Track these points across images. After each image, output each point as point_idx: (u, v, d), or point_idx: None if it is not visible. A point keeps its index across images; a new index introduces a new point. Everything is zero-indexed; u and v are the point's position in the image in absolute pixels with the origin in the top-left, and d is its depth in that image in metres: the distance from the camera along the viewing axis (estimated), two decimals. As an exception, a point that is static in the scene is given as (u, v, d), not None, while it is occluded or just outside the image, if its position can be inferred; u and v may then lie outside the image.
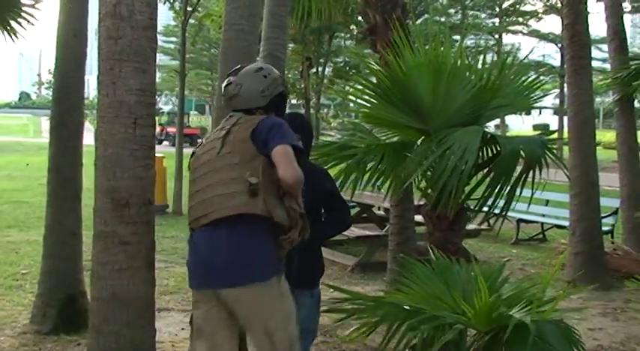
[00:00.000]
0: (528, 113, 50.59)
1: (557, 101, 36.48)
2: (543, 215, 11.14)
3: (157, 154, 3.99)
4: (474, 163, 4.05)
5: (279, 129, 3.08)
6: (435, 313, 3.31)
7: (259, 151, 3.05)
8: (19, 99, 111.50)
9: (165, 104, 65.43)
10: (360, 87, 4.83)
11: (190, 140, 37.41)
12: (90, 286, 3.67)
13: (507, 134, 13.91)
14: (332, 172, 4.27)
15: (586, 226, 7.99)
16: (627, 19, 48.76)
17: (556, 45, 35.11)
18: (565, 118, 10.01)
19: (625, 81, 8.77)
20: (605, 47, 22.53)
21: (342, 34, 26.41)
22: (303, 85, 25.61)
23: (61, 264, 5.63)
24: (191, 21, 16.06)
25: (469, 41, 39.20)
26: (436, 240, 4.53)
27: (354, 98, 4.92)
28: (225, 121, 3.27)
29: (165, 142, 38.85)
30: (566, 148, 8.71)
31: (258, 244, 3.02)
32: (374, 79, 4.78)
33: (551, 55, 43.18)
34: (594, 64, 12.68)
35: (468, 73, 4.67)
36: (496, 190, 4.27)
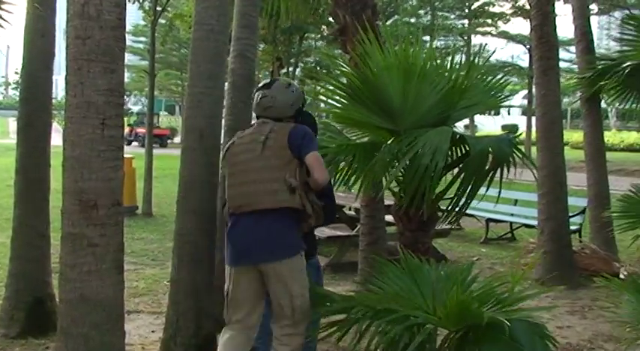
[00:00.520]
0: (497, 114, 51.08)
1: (526, 102, 36.83)
2: (512, 215, 11.25)
3: (126, 155, 3.98)
4: (443, 163, 4.07)
5: (310, 137, 3.92)
6: (406, 312, 3.32)
7: (293, 154, 3.84)
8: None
9: (135, 104, 64.89)
10: (330, 87, 4.83)
11: (160, 141, 37.29)
12: (58, 289, 3.63)
13: (477, 134, 14.02)
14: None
15: (554, 225, 8.09)
16: (594, 20, 49.50)
17: (524, 46, 35.46)
18: (533, 119, 10.10)
19: (591, 81, 8.87)
20: (572, 48, 22.89)
21: (313, 35, 26.42)
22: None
23: (29, 266, 5.57)
24: (161, 21, 15.93)
25: (439, 42, 39.54)
26: (406, 240, 4.55)
27: (324, 98, 4.92)
28: (259, 127, 4.01)
29: (135, 143, 38.55)
30: (534, 148, 8.79)
31: (291, 229, 3.86)
32: (344, 80, 4.79)
33: (520, 56, 43.65)
34: (562, 65, 12.84)
35: (437, 74, 4.70)
36: (467, 191, 4.30)
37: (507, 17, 35.92)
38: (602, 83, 8.73)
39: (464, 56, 5.09)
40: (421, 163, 4.04)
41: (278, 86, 4.09)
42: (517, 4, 33.54)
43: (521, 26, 38.93)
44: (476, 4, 36.79)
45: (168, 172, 18.81)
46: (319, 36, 26.17)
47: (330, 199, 4.27)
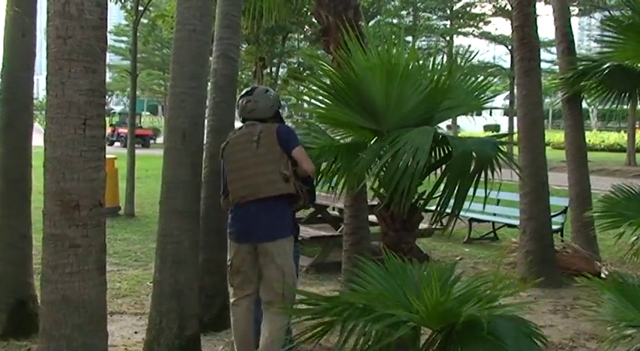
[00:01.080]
0: (479, 114, 51.39)
1: (508, 102, 37.05)
2: (494, 214, 11.30)
3: (108, 156, 3.96)
4: (425, 162, 4.08)
5: (294, 134, 4.70)
6: (389, 311, 3.33)
7: (282, 149, 4.58)
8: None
9: (117, 105, 64.62)
10: (314, 88, 4.84)
11: (142, 141, 37.12)
12: (40, 290, 3.61)
13: (459, 135, 14.08)
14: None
15: (536, 224, 8.14)
16: (575, 21, 49.86)
17: (506, 47, 35.67)
18: (515, 119, 10.15)
19: (572, 82, 8.93)
20: (553, 49, 23.03)
21: (296, 36, 26.38)
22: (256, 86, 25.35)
23: (11, 267, 5.53)
24: (143, 20, 15.87)
25: (421, 43, 39.64)
26: (390, 240, 4.56)
27: (308, 99, 4.93)
28: (248, 129, 4.74)
29: (117, 143, 38.34)
30: (516, 148, 8.84)
31: (284, 212, 4.67)
32: (327, 81, 4.80)
33: (502, 57, 43.91)
34: (543, 65, 12.93)
35: (420, 75, 4.71)
36: (453, 193, 4.31)
37: (487, 20, 36.14)
38: (583, 84, 8.80)
39: (446, 57, 5.12)
40: (402, 161, 4.05)
41: (259, 92, 4.88)
42: (498, 5, 33.71)
43: (503, 27, 39.10)
44: (458, 5, 36.94)
45: (151, 173, 18.77)
46: (302, 36, 26.13)
47: (310, 184, 4.86)
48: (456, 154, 4.21)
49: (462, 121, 40.33)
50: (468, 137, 4.90)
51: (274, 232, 4.62)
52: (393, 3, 35.09)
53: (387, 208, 4.47)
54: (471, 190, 4.37)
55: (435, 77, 4.63)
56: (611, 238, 6.13)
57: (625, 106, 14.19)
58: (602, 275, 7.67)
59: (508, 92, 35.30)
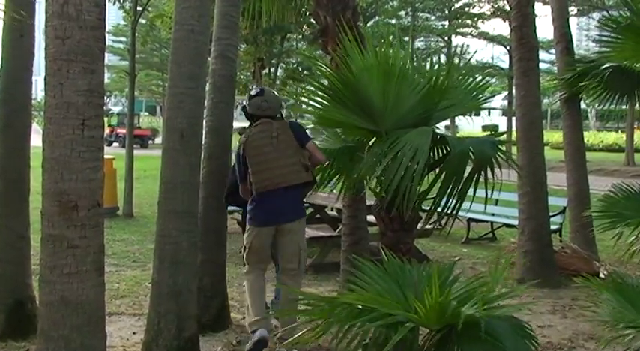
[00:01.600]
0: (478, 114, 51.36)
1: (506, 102, 37.04)
2: (493, 214, 11.28)
3: (106, 156, 3.96)
4: (425, 163, 4.08)
5: (304, 129, 5.50)
6: (387, 311, 3.33)
7: (298, 143, 5.27)
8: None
9: (115, 105, 64.60)
10: (312, 88, 4.83)
11: (141, 141, 37.07)
12: (38, 291, 3.61)
13: (457, 135, 14.08)
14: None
15: (534, 225, 8.14)
16: (573, 22, 49.84)
17: (504, 47, 35.68)
18: (513, 119, 10.15)
19: (571, 82, 8.93)
20: (552, 49, 23.04)
21: (295, 36, 26.37)
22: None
23: (9, 268, 5.52)
24: (142, 21, 15.86)
25: (419, 43, 39.65)
26: (388, 240, 4.55)
27: (306, 100, 4.92)
28: (264, 126, 5.37)
29: (115, 144, 38.31)
30: (514, 149, 8.83)
31: (301, 197, 5.47)
32: (325, 81, 4.79)
33: (500, 57, 43.91)
34: (542, 66, 12.91)
35: (417, 75, 4.71)
36: (448, 191, 4.31)
37: (486, 17, 36.11)
38: (581, 84, 8.78)
39: (444, 57, 5.12)
40: (402, 163, 4.05)
41: (269, 92, 5.63)
42: (496, 5, 33.72)
43: (501, 27, 39.13)
44: (457, 5, 36.94)
45: (149, 173, 18.76)
46: (301, 36, 26.12)
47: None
48: (453, 154, 4.21)
49: (460, 121, 40.32)
50: (466, 137, 4.90)
51: (298, 213, 5.46)
52: (391, 3, 35.09)
53: (388, 211, 4.45)
54: (471, 190, 4.37)
55: (433, 77, 4.63)
56: (610, 238, 6.12)
57: (623, 107, 14.21)
58: (601, 275, 7.67)
59: (506, 92, 35.27)
